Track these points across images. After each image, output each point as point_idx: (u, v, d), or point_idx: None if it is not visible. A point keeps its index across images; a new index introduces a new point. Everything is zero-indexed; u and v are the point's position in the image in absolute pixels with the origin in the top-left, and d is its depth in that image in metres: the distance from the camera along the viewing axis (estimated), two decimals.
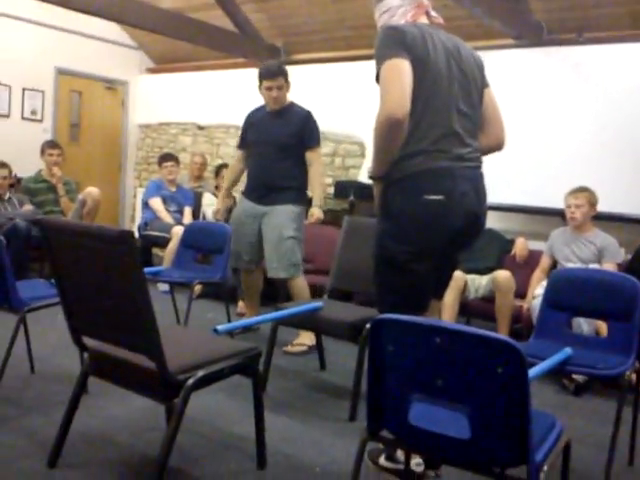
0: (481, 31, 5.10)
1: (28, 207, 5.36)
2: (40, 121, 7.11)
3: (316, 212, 4.03)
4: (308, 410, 2.98)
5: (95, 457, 2.34)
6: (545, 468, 1.53)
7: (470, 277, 4.22)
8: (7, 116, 6.80)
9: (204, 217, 5.86)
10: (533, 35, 5.00)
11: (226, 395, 2.94)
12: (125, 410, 2.77)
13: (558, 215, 4.39)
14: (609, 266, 3.82)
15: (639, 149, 4.55)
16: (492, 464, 1.58)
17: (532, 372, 1.85)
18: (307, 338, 3.84)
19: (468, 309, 4.26)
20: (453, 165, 2.18)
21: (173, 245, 4.90)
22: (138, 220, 6.27)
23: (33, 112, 7.04)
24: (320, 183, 4.07)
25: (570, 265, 3.90)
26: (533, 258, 4.38)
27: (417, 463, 2.22)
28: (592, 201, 3.94)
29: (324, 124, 6.47)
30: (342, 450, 2.51)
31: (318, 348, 3.57)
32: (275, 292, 4.40)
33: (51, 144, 5.77)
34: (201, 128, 7.49)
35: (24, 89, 6.91)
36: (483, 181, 2.31)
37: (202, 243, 4.25)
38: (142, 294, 1.93)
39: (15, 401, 2.82)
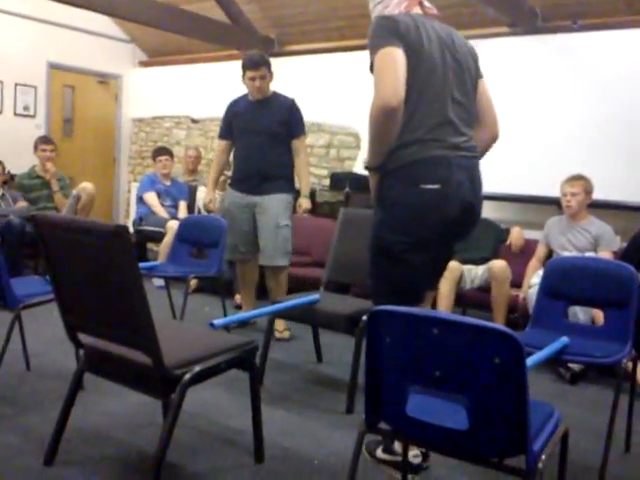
0: (476, 19, 5.09)
1: (22, 203, 5.34)
2: (33, 117, 7.07)
3: (304, 202, 4.07)
4: (305, 403, 2.98)
5: (92, 454, 2.34)
6: (543, 457, 1.53)
7: (466, 267, 4.21)
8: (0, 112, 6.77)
9: (199, 211, 5.85)
10: (528, 22, 4.98)
11: (223, 389, 2.93)
12: (121, 406, 2.76)
13: (553, 204, 4.39)
14: (605, 254, 3.82)
15: (635, 136, 4.55)
16: (490, 454, 1.58)
17: (529, 361, 1.85)
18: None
19: (464, 299, 4.26)
20: (449, 154, 2.17)
21: (168, 240, 4.88)
22: (133, 215, 6.25)
23: (26, 108, 7.00)
24: (307, 172, 4.13)
25: (566, 254, 3.90)
26: (529, 247, 4.38)
27: (415, 455, 2.22)
28: (588, 189, 3.94)
29: (319, 115, 6.49)
30: (340, 442, 2.51)
31: (315, 341, 3.57)
32: None
33: (44, 140, 5.73)
34: (195, 121, 7.46)
35: (16, 84, 6.88)
36: (479, 170, 2.30)
37: (197, 237, 4.23)
38: (137, 289, 1.91)
39: (11, 398, 2.81)
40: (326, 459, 2.39)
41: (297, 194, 4.13)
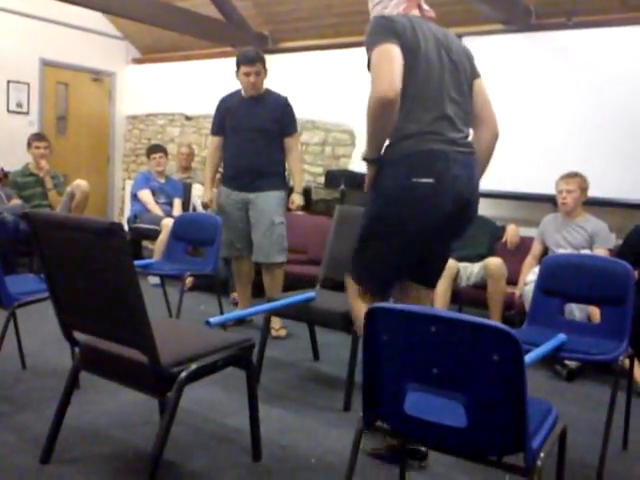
0: (470, 16, 5.09)
1: (16, 201, 5.30)
2: (26, 114, 7.03)
3: (297, 199, 4.09)
4: (302, 401, 2.97)
5: (88, 452, 2.32)
6: (542, 455, 1.53)
7: (462, 265, 4.22)
8: None
9: (194, 208, 5.83)
10: (521, 20, 4.98)
11: (220, 387, 2.92)
12: (118, 404, 2.75)
13: (549, 201, 4.40)
14: (600, 251, 3.83)
15: (630, 134, 4.55)
16: (489, 452, 1.58)
17: (527, 359, 1.85)
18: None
19: (460, 297, 4.26)
20: (446, 148, 2.19)
21: (163, 237, 4.86)
22: (127, 213, 6.23)
23: (19, 105, 6.96)
24: (300, 170, 4.16)
25: (561, 251, 3.90)
26: (524, 245, 4.39)
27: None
28: (583, 186, 3.94)
29: (313, 113, 6.49)
30: (337, 440, 2.51)
31: (311, 339, 3.56)
32: None
33: (38, 137, 5.69)
34: (189, 118, 7.43)
35: (9, 81, 6.84)
36: (476, 168, 2.31)
37: (192, 235, 4.22)
38: (133, 287, 1.90)
39: (6, 397, 2.79)
40: (323, 457, 2.38)
41: (290, 191, 4.14)
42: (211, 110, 4.21)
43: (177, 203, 5.72)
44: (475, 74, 2.38)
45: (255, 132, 3.92)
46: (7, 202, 5.26)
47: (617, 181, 4.51)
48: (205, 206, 4.30)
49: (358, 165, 5.61)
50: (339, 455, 2.34)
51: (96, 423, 2.57)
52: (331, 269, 3.54)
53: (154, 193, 5.62)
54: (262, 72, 3.91)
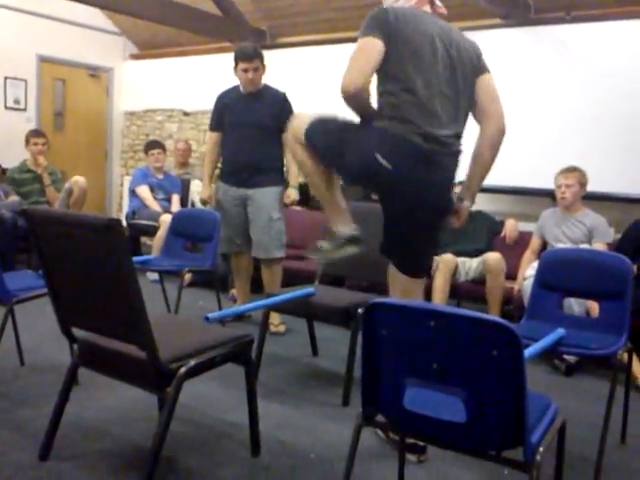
0: (469, 11, 5.07)
1: (13, 198, 5.29)
2: (24, 110, 7.01)
3: (292, 193, 4.11)
4: (301, 396, 2.97)
5: (87, 448, 2.32)
6: (541, 449, 1.53)
7: (460, 260, 4.21)
8: None
9: (193, 204, 5.82)
10: (521, 14, 4.97)
11: (218, 383, 2.92)
12: (116, 400, 2.75)
13: (548, 196, 4.39)
14: (599, 246, 3.82)
15: (629, 128, 4.55)
16: (488, 447, 1.58)
17: (526, 353, 1.83)
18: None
19: (458, 292, 4.26)
20: (423, 145, 2.20)
21: (162, 233, 4.85)
22: (125, 209, 6.22)
23: (16, 101, 6.94)
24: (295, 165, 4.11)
25: (560, 245, 3.90)
26: (523, 239, 4.38)
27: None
28: (582, 181, 3.93)
29: (311, 108, 6.46)
30: (336, 435, 2.51)
31: (310, 334, 3.56)
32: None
33: (36, 133, 5.68)
34: (187, 114, 7.42)
35: (6, 78, 6.82)
36: (452, 167, 2.31)
37: (191, 231, 4.21)
38: (131, 283, 1.90)
39: (5, 394, 2.79)
40: (322, 452, 2.39)
41: (286, 185, 4.14)
42: (209, 106, 4.20)
43: (175, 199, 5.71)
44: (481, 70, 2.37)
45: (253, 128, 3.91)
46: (5, 199, 5.25)
47: (616, 175, 4.51)
48: (204, 202, 4.29)
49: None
50: (338, 450, 2.34)
51: (95, 419, 2.57)
52: (329, 265, 3.53)
53: (152, 189, 5.61)
54: (260, 68, 3.90)
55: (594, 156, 4.48)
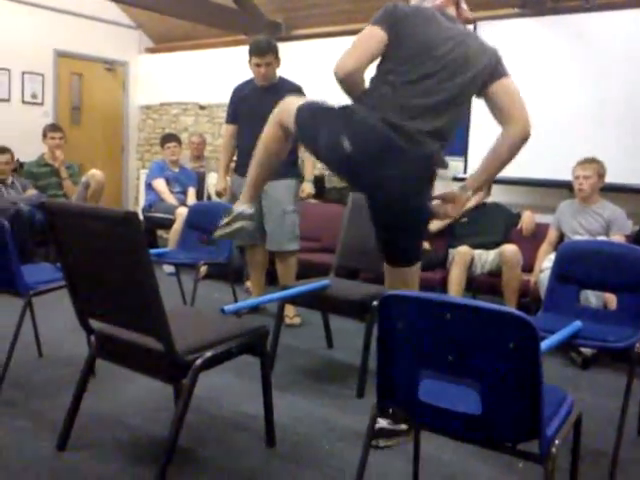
0: (485, 0, 5.02)
1: (31, 191, 5.34)
2: (41, 104, 7.07)
3: (307, 187, 4.13)
4: (316, 388, 2.98)
5: (104, 439, 2.35)
6: (557, 442, 1.52)
7: (477, 252, 4.19)
8: (7, 100, 6.77)
9: (209, 197, 5.84)
10: (537, 3, 4.91)
11: (234, 375, 2.94)
12: (133, 391, 2.77)
13: (565, 187, 4.35)
14: (617, 238, 3.78)
15: None
16: (503, 439, 1.57)
17: (542, 346, 1.83)
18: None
19: (475, 284, 4.24)
20: (383, 131, 2.20)
21: (177, 226, 4.88)
22: (142, 202, 6.25)
23: (33, 96, 7.00)
24: (311, 158, 4.12)
25: (577, 237, 3.87)
26: (540, 231, 4.34)
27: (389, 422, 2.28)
28: (600, 172, 3.89)
29: (328, 100, 6.44)
30: (351, 427, 2.51)
31: (325, 326, 3.56)
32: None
33: (53, 127, 5.73)
34: (202, 108, 7.43)
35: (23, 72, 6.87)
36: (418, 164, 2.27)
37: (206, 224, 4.20)
38: (148, 275, 1.91)
39: (23, 385, 2.83)
40: (337, 443, 2.39)
41: (301, 179, 4.14)
42: (225, 99, 4.21)
43: (191, 192, 5.74)
44: (499, 74, 2.32)
45: (267, 121, 3.89)
46: (23, 192, 5.31)
47: (634, 166, 4.45)
48: (219, 194, 4.30)
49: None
50: (353, 442, 2.35)
51: (112, 410, 2.60)
52: (345, 257, 3.54)
53: (168, 182, 5.64)
54: (273, 63, 3.88)
55: (612, 147, 4.42)
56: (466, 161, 5.21)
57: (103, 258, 2.04)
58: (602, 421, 2.59)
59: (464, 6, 2.43)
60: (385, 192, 2.30)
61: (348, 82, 2.26)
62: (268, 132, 2.59)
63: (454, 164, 5.13)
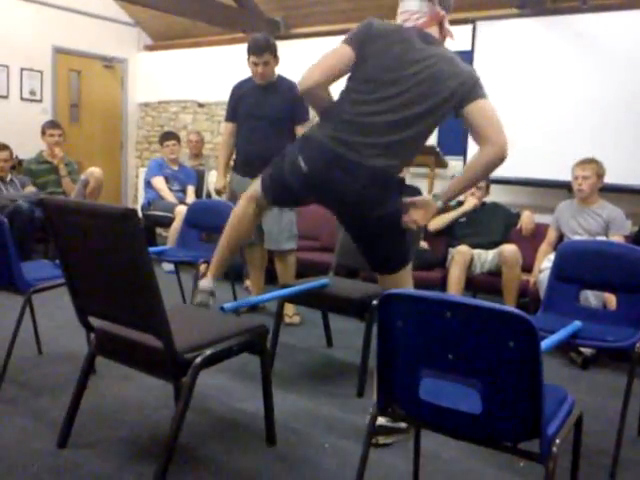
0: (485, 0, 5.02)
1: (30, 188, 5.34)
2: (39, 101, 7.06)
3: None
4: (316, 387, 2.98)
5: (104, 436, 2.35)
6: (557, 441, 1.52)
7: (476, 252, 4.20)
8: (6, 97, 6.76)
9: (209, 195, 5.83)
10: (536, 4, 4.92)
11: (234, 373, 2.94)
12: (133, 389, 2.77)
13: (564, 187, 4.36)
14: (616, 238, 3.79)
15: None
16: (504, 438, 1.57)
17: (542, 345, 1.83)
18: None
19: (474, 284, 4.25)
20: (332, 147, 2.27)
21: (177, 224, 4.87)
22: (141, 200, 6.25)
23: (32, 92, 6.99)
24: None
25: (577, 237, 3.87)
26: (539, 231, 4.35)
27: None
28: (599, 172, 3.90)
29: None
30: (351, 426, 2.51)
31: (325, 325, 3.56)
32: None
33: (52, 124, 5.72)
34: (201, 105, 7.43)
35: (22, 69, 6.86)
36: (374, 181, 2.29)
37: (206, 222, 4.22)
38: (147, 272, 1.91)
39: (23, 382, 2.82)
40: (337, 442, 2.39)
41: None
42: (224, 97, 4.20)
43: (190, 190, 5.73)
44: (474, 96, 2.29)
45: (266, 120, 3.89)
46: (22, 189, 5.30)
47: (633, 167, 4.46)
48: (218, 192, 4.30)
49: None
50: (353, 441, 2.35)
51: (112, 408, 2.59)
52: (344, 256, 3.54)
53: (167, 180, 5.63)
54: (271, 61, 3.87)
55: (611, 147, 4.43)
56: (465, 160, 5.21)
57: (102, 255, 2.04)
58: (602, 421, 2.59)
59: (447, 25, 2.41)
60: (346, 205, 2.37)
61: (310, 95, 2.35)
62: (239, 212, 2.60)
63: (454, 163, 5.14)
